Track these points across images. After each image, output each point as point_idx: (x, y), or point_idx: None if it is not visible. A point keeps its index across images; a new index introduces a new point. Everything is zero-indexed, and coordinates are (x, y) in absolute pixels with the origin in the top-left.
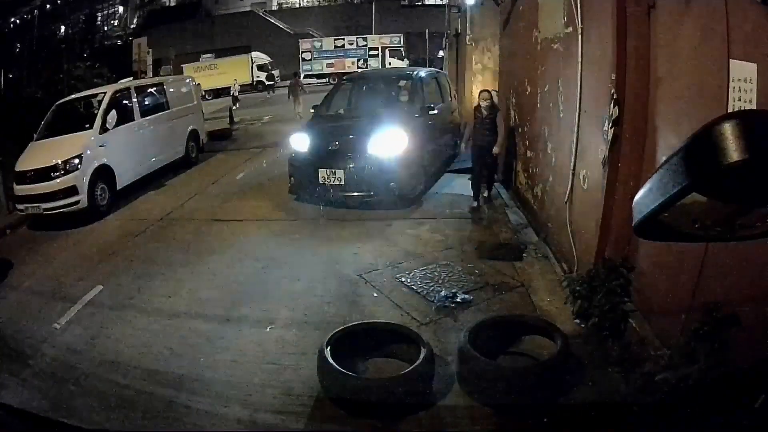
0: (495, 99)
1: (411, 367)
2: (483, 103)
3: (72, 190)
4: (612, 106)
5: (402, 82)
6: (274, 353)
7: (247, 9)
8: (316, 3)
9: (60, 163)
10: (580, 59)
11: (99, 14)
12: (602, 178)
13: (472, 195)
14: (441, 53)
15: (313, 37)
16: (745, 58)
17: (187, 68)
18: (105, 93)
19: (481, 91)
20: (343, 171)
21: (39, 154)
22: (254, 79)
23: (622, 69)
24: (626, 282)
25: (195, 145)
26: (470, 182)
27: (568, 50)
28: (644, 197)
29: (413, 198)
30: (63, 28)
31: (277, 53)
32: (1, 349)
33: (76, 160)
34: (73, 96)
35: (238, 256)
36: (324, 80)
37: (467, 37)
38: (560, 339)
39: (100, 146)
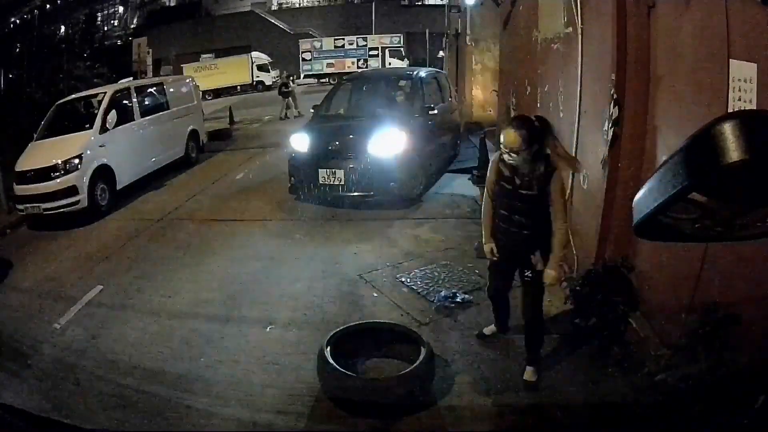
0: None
1: (411, 367)
2: (508, 156)
3: (72, 190)
4: (612, 106)
5: (402, 82)
6: (274, 353)
7: (247, 9)
8: (316, 3)
9: (60, 163)
10: (580, 59)
11: (99, 14)
12: (602, 178)
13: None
14: (441, 53)
15: (313, 37)
16: (745, 58)
17: (187, 68)
18: (105, 93)
19: (514, 122)
20: (343, 171)
21: (39, 154)
22: (254, 79)
23: (622, 69)
24: (626, 282)
25: (195, 145)
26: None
27: (568, 50)
28: (644, 197)
29: (413, 198)
30: (63, 28)
31: (277, 53)
32: (1, 349)
33: (76, 160)
34: (73, 96)
35: (238, 256)
36: (324, 80)
37: (467, 37)
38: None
39: (100, 146)
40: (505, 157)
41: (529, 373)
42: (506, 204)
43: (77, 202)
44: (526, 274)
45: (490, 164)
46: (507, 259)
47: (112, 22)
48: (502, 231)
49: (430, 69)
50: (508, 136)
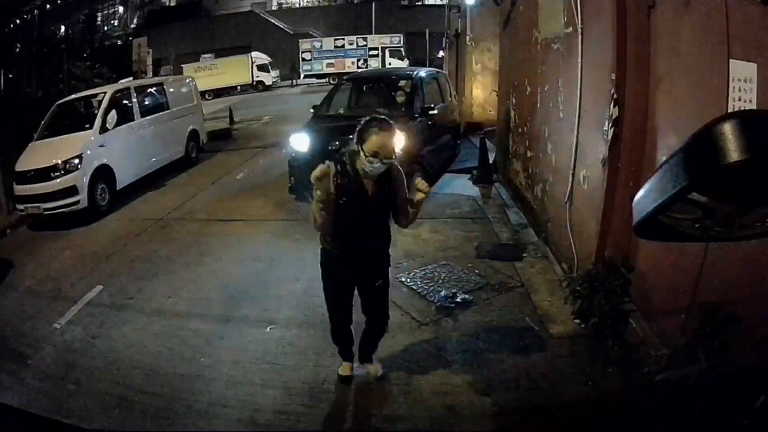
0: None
1: None
2: (372, 165)
3: (72, 190)
4: (612, 106)
5: (402, 82)
6: (274, 353)
7: (247, 9)
8: (316, 3)
9: (60, 163)
10: (580, 59)
11: (99, 14)
12: (602, 178)
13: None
14: (441, 53)
15: (313, 37)
16: (745, 58)
17: (187, 68)
18: (105, 93)
19: (383, 123)
20: None
21: (39, 154)
22: (254, 79)
23: (622, 69)
24: (626, 282)
25: (195, 145)
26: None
27: (568, 50)
28: (644, 197)
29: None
30: (63, 28)
31: (277, 53)
32: (1, 349)
33: (76, 160)
34: (73, 96)
35: (238, 256)
36: (324, 80)
37: (467, 37)
38: None
39: (100, 146)
40: (369, 166)
41: (377, 368)
42: (356, 217)
43: (77, 202)
44: (378, 283)
45: (319, 175)
46: (351, 276)
47: (112, 22)
48: (353, 246)
49: (430, 69)
50: (384, 140)
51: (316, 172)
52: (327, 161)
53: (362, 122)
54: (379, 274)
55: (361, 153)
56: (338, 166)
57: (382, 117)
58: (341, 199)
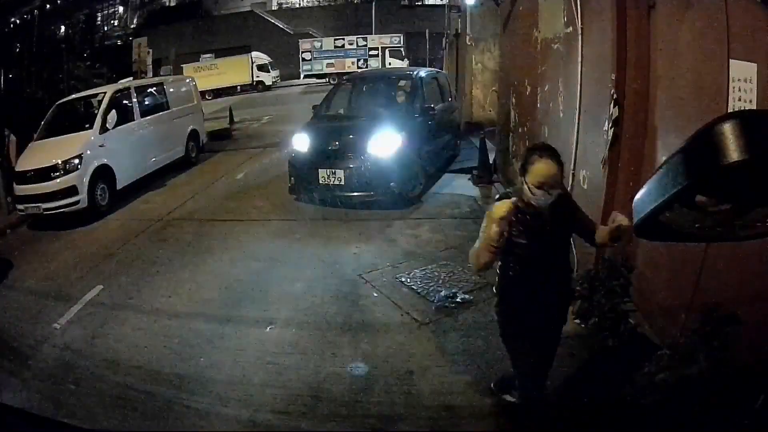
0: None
1: None
2: (540, 196)
3: (72, 190)
4: (612, 106)
5: (402, 82)
6: (274, 353)
7: (247, 9)
8: (316, 3)
9: (60, 163)
10: (580, 59)
11: (99, 14)
12: (602, 178)
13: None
14: (441, 53)
15: (313, 37)
16: (745, 58)
17: (187, 68)
18: (105, 93)
19: (546, 150)
20: (343, 171)
21: (39, 154)
22: (254, 79)
23: (622, 69)
24: (626, 282)
25: (195, 145)
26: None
27: (568, 50)
28: (644, 197)
29: (413, 198)
30: (63, 28)
31: (277, 53)
32: (1, 349)
33: (76, 160)
34: (73, 96)
35: (238, 256)
36: (324, 80)
37: (467, 37)
38: None
39: (100, 146)
40: (534, 199)
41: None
42: (537, 255)
43: (77, 202)
44: (556, 326)
45: (504, 215)
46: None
47: (112, 22)
48: (536, 291)
49: (430, 69)
50: (550, 169)
51: (502, 211)
52: (503, 198)
53: (525, 153)
54: (560, 314)
55: (525, 185)
56: (517, 202)
57: (545, 144)
58: (519, 240)
